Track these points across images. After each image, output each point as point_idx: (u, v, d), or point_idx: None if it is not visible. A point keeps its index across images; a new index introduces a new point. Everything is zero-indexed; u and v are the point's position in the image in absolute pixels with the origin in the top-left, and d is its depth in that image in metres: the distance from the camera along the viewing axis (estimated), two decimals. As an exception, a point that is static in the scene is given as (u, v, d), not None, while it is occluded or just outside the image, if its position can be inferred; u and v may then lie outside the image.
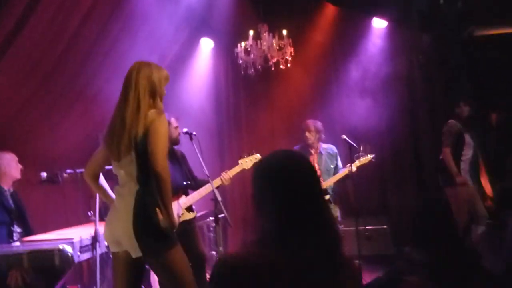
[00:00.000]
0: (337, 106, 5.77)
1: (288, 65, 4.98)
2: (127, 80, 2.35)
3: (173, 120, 3.57)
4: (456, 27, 5.05)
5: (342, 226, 5.32)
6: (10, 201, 3.40)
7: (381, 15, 5.52)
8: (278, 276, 1.14)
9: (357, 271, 1.30)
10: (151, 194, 2.28)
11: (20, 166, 3.46)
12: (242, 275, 1.14)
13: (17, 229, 3.40)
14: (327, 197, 4.34)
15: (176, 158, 3.52)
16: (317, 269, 1.18)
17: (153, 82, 2.34)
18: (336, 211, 4.48)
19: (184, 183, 3.51)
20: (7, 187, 3.40)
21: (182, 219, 3.41)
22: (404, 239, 5.31)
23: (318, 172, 4.42)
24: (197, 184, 3.64)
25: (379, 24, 5.63)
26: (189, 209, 3.54)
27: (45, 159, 4.44)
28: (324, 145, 4.50)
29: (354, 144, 4.34)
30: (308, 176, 1.29)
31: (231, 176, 3.63)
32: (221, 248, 3.97)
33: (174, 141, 3.53)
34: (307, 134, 4.39)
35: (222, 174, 3.63)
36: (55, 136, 4.40)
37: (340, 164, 4.46)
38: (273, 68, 5.06)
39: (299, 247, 1.19)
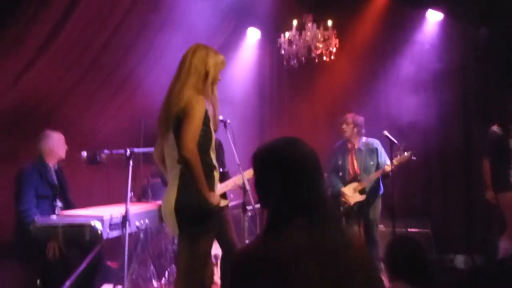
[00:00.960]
0: (383, 101, 5.55)
1: (332, 57, 4.86)
2: (182, 59, 2.40)
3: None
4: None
5: (381, 226, 5.17)
6: (54, 177, 3.63)
7: (436, 6, 5.22)
8: (291, 261, 1.16)
9: (367, 251, 1.31)
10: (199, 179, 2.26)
11: (65, 147, 3.67)
12: (255, 267, 1.18)
13: (58, 203, 3.62)
14: (363, 197, 4.21)
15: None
16: (326, 252, 1.20)
17: (207, 65, 2.35)
18: (377, 208, 4.27)
19: (220, 170, 3.54)
20: (52, 164, 3.62)
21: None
22: (447, 245, 5.05)
23: (357, 171, 4.28)
24: (228, 176, 3.69)
25: (434, 16, 5.33)
26: (223, 196, 3.58)
27: (89, 142, 4.68)
28: (365, 140, 4.31)
29: (395, 141, 4.17)
30: (308, 160, 1.30)
31: None
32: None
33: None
34: (344, 126, 4.28)
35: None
36: (98, 120, 4.62)
37: (383, 159, 4.23)
38: (316, 60, 4.96)
39: (306, 229, 1.22)
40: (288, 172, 1.28)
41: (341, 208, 4.19)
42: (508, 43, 4.77)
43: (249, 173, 3.48)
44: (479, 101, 5.15)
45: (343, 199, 4.19)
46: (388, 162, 4.15)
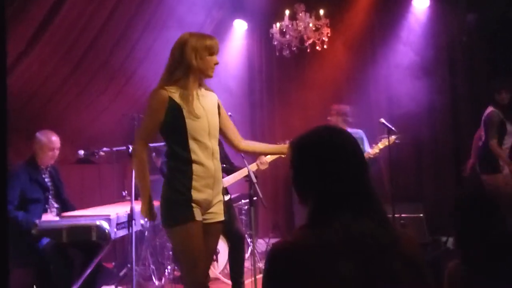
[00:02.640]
0: (374, 89, 5.60)
1: (325, 46, 4.84)
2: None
3: None
4: (503, 7, 4.77)
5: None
6: (47, 179, 3.46)
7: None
8: (336, 254, 1.10)
9: (416, 244, 1.22)
10: (168, 173, 2.27)
11: (54, 153, 3.46)
12: (297, 259, 1.11)
13: (54, 205, 3.47)
14: None
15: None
16: (375, 242, 1.13)
17: (184, 52, 2.18)
18: None
19: (223, 165, 3.47)
20: (44, 165, 3.45)
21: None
22: (440, 228, 5.16)
23: None
24: (233, 168, 3.63)
25: (420, 3, 5.39)
26: (224, 191, 3.52)
27: (82, 138, 4.52)
28: (350, 130, 4.38)
29: (392, 128, 4.21)
30: (352, 149, 1.22)
31: (268, 161, 3.59)
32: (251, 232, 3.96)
33: None
34: (328, 118, 4.32)
35: (258, 158, 3.59)
36: (91, 115, 4.47)
37: (367, 148, 4.30)
38: (309, 50, 4.94)
39: (350, 223, 1.14)
40: (332, 162, 1.20)
41: None
42: (496, 29, 4.88)
43: (252, 167, 3.45)
44: (468, 87, 5.26)
45: None
46: (369, 150, 4.23)
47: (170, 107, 2.17)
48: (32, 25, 3.18)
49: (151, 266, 4.34)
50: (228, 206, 3.46)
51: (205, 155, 2.23)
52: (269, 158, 3.58)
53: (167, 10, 4.34)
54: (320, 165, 1.20)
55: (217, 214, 2.34)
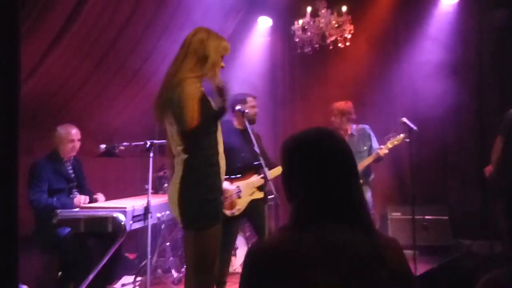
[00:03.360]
0: (398, 86, 5.49)
1: (347, 43, 4.78)
2: (183, 42, 2.28)
3: (249, 99, 3.60)
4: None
5: (399, 214, 5.13)
6: (70, 170, 3.61)
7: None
8: (314, 261, 1.07)
9: (401, 252, 1.19)
10: (197, 167, 2.16)
11: (74, 145, 3.60)
12: (274, 262, 1.08)
13: (76, 196, 3.61)
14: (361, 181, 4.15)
15: (248, 137, 3.43)
16: (356, 251, 1.11)
17: (206, 48, 2.21)
18: (367, 193, 4.17)
19: (255, 163, 3.50)
20: (67, 157, 3.59)
21: (252, 197, 3.47)
22: (464, 231, 5.02)
23: None
24: (269, 164, 3.65)
25: (449, -1, 5.24)
26: (260, 188, 3.57)
27: (104, 133, 4.66)
28: (357, 126, 4.27)
29: (414, 127, 4.11)
30: (342, 154, 1.19)
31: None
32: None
33: (250, 120, 3.54)
34: (332, 118, 4.22)
35: None
36: (113, 111, 4.60)
37: (375, 144, 4.18)
38: (331, 47, 4.89)
39: (331, 230, 1.12)
40: (317, 166, 1.17)
41: None
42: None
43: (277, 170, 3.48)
44: (496, 86, 5.07)
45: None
46: (377, 146, 4.12)
47: (202, 100, 2.17)
48: (54, 27, 3.30)
49: (171, 258, 4.44)
50: (260, 204, 3.49)
51: (222, 149, 2.27)
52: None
53: (188, 8, 4.39)
54: (304, 168, 1.19)
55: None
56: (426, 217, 5.04)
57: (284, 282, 1.06)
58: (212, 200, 2.17)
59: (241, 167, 3.44)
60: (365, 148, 4.18)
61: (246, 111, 3.50)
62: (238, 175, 3.51)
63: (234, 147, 3.30)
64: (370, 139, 4.21)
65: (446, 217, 5.05)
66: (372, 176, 4.23)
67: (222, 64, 2.32)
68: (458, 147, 5.29)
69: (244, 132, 3.62)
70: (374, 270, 1.09)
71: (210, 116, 2.19)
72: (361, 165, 4.03)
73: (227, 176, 3.54)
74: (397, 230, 5.18)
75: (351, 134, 4.22)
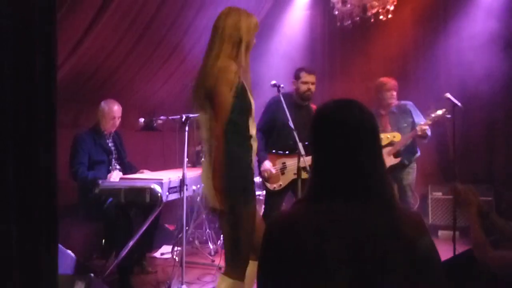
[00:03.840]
0: (445, 61, 5.23)
1: (390, 15, 4.58)
2: (215, 26, 2.25)
3: (303, 74, 3.59)
4: None
5: (440, 193, 4.98)
6: (110, 143, 3.75)
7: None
8: (326, 234, 1.08)
9: (421, 226, 1.16)
10: (229, 153, 2.15)
11: (115, 121, 3.70)
12: (288, 235, 1.11)
13: (117, 167, 3.76)
14: (398, 159, 3.99)
15: (302, 115, 3.44)
16: (370, 225, 1.10)
17: (240, 30, 2.19)
18: (411, 173, 4.08)
19: (306, 143, 3.50)
20: (108, 131, 3.73)
21: (295, 177, 3.41)
22: (509, 212, 4.80)
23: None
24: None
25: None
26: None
27: (145, 107, 4.80)
28: (398, 103, 4.11)
29: (458, 104, 3.94)
30: (365, 128, 1.16)
31: None
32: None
33: (302, 96, 3.54)
34: (394, 93, 4.05)
35: None
36: (153, 85, 4.70)
37: (418, 120, 4.00)
38: (372, 20, 4.71)
39: (348, 203, 1.12)
40: (333, 139, 1.15)
41: None
42: None
43: None
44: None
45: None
46: (421, 121, 3.95)
47: (238, 83, 2.16)
48: (93, 5, 3.38)
49: (208, 230, 4.58)
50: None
51: (254, 132, 2.29)
52: None
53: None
54: (323, 140, 1.18)
55: None
56: (469, 197, 4.86)
57: (298, 255, 1.08)
58: (248, 179, 2.20)
59: (291, 145, 3.38)
60: (405, 124, 4.04)
61: (282, 85, 3.45)
62: (286, 152, 3.52)
63: (287, 123, 3.15)
64: (411, 115, 4.05)
65: (490, 198, 4.85)
66: (417, 154, 4.11)
67: (254, 41, 2.30)
68: (506, 125, 5.02)
69: (301, 108, 3.58)
70: (388, 244, 1.08)
71: (245, 107, 2.20)
72: (400, 142, 3.92)
73: (275, 151, 3.58)
74: (437, 210, 5.06)
75: (392, 112, 4.09)
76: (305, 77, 3.55)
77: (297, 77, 3.61)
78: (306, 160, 3.38)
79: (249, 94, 2.23)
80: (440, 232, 4.97)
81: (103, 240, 3.88)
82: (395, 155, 4.01)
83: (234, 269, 2.22)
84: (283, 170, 3.55)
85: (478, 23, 4.94)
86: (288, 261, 1.09)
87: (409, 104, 4.11)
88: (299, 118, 3.37)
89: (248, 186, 2.21)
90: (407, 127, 4.03)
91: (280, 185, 3.55)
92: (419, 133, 3.86)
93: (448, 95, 3.94)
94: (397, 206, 1.17)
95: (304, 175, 3.47)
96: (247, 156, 2.22)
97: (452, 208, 4.23)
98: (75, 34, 3.42)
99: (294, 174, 3.39)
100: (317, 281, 1.06)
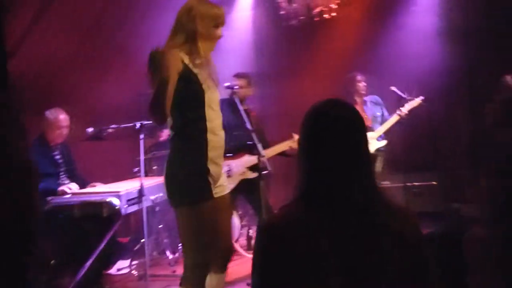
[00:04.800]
0: (385, 57, 5.45)
1: (333, 14, 4.71)
2: (175, 18, 2.16)
3: (234, 78, 3.64)
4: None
5: (388, 182, 5.18)
6: (58, 156, 3.50)
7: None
8: (320, 232, 1.09)
9: (409, 220, 1.17)
10: (181, 145, 2.10)
11: (62, 131, 3.48)
12: (283, 236, 1.11)
13: (65, 181, 3.52)
14: (384, 142, 4.28)
15: (241, 115, 3.39)
16: (361, 221, 1.11)
17: (193, 20, 2.07)
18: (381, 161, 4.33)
19: (249, 142, 3.45)
20: (55, 142, 3.48)
21: (243, 177, 3.50)
22: (454, 196, 5.11)
23: (368, 122, 4.28)
24: (264, 144, 3.61)
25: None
26: (253, 168, 3.56)
27: (91, 115, 4.53)
28: (366, 97, 4.42)
29: (403, 95, 4.19)
30: (353, 126, 1.17)
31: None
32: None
33: (242, 99, 3.55)
34: (365, 84, 4.33)
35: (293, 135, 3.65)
36: (99, 91, 4.47)
37: (386, 113, 4.36)
38: (317, 18, 4.81)
39: (339, 199, 1.12)
40: (315, 140, 1.16)
41: None
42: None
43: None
44: (488, 49, 5.08)
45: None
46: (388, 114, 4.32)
47: (184, 71, 2.04)
48: (32, 8, 3.15)
49: (165, 240, 4.42)
50: (255, 184, 3.44)
51: (218, 124, 2.16)
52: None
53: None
54: (307, 141, 1.19)
55: (225, 186, 2.24)
56: (416, 183, 5.11)
57: (293, 255, 1.08)
58: (197, 177, 2.07)
59: (233, 146, 3.40)
60: (379, 114, 4.36)
61: (236, 87, 3.44)
62: (229, 154, 3.48)
63: (226, 125, 3.21)
64: (381, 107, 4.40)
65: (435, 183, 5.14)
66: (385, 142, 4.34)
67: (220, 33, 2.17)
68: (448, 113, 5.34)
69: (235, 109, 3.56)
70: (379, 239, 1.10)
71: (191, 93, 2.08)
72: (381, 130, 4.21)
73: None
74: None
75: (364, 101, 4.37)
76: (240, 81, 3.66)
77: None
78: (252, 160, 3.51)
79: (205, 82, 2.11)
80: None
81: (52, 261, 3.63)
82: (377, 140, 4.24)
83: (185, 276, 2.13)
84: (229, 172, 3.52)
85: (420, 18, 5.21)
86: (284, 264, 1.09)
87: (378, 97, 4.43)
88: (237, 120, 3.39)
89: (191, 182, 2.06)
90: (379, 116, 4.35)
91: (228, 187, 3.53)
92: (401, 119, 4.15)
93: (394, 88, 4.19)
94: (391, 203, 1.18)
95: (251, 174, 3.50)
96: (195, 151, 2.09)
97: (401, 196, 4.45)
98: (13, 36, 3.16)
99: (240, 174, 3.49)
100: (314, 282, 1.06)
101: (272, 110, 5.77)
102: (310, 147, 1.18)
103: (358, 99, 4.31)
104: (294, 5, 4.66)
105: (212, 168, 2.10)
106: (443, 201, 5.08)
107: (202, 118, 2.09)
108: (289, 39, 5.75)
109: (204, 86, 2.10)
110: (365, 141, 1.19)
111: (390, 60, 5.40)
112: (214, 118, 2.14)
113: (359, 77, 4.32)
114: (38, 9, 3.17)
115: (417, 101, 4.17)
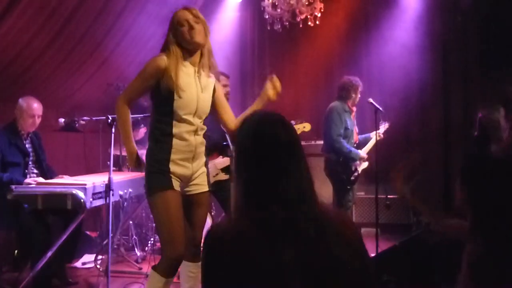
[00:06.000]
0: (366, 66, 5.53)
1: (317, 22, 4.72)
2: None
3: (222, 78, 3.53)
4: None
5: (362, 193, 5.23)
6: (27, 144, 3.45)
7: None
8: (259, 243, 1.08)
9: (347, 226, 1.20)
10: (150, 144, 2.29)
11: (34, 120, 3.42)
12: (223, 246, 1.10)
13: (34, 170, 3.47)
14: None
15: None
16: (300, 231, 1.11)
17: (171, 26, 2.25)
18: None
19: (224, 143, 3.43)
20: (26, 131, 3.43)
21: (216, 179, 3.45)
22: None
23: (355, 137, 4.24)
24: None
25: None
26: (226, 170, 3.53)
27: (65, 106, 4.48)
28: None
29: (380, 108, 4.19)
30: (289, 142, 1.19)
31: None
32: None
33: None
34: (352, 95, 4.17)
35: None
36: (74, 84, 4.42)
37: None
38: (301, 25, 4.82)
39: (279, 211, 1.13)
40: (256, 151, 1.18)
41: (355, 175, 4.14)
42: (490, 8, 4.77)
43: None
44: (460, 64, 5.20)
45: (361, 164, 4.17)
46: None
47: (165, 77, 2.18)
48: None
49: (134, 237, 4.38)
50: (226, 186, 3.47)
51: (187, 130, 2.25)
52: None
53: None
54: (244, 153, 1.20)
55: (201, 185, 2.38)
56: (389, 196, 5.16)
57: (235, 266, 1.08)
58: (159, 173, 2.22)
59: (206, 147, 3.39)
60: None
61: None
62: None
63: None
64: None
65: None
66: None
67: (192, 36, 2.22)
68: (422, 125, 5.42)
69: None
70: (319, 247, 1.11)
71: (162, 99, 2.21)
72: (368, 148, 4.23)
73: None
74: (361, 208, 5.31)
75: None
76: (223, 80, 3.58)
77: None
78: (224, 162, 3.51)
79: (178, 90, 2.19)
80: (363, 230, 5.22)
81: (15, 251, 3.56)
82: None
83: (160, 262, 2.24)
84: None
85: (397, 32, 5.31)
86: (235, 273, 1.08)
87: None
88: (210, 122, 3.42)
89: (156, 180, 2.23)
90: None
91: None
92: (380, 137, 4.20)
93: (371, 100, 4.19)
94: (324, 209, 1.21)
95: (223, 176, 3.50)
96: (157, 148, 2.25)
97: (374, 207, 4.47)
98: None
99: (213, 176, 3.43)
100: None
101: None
102: (249, 161, 1.19)
103: (351, 105, 4.19)
104: (279, 10, 4.66)
105: (173, 168, 2.24)
106: (415, 213, 5.16)
107: (169, 122, 2.23)
108: (272, 43, 5.78)
109: (176, 93, 2.19)
110: (301, 155, 1.21)
111: (371, 71, 5.48)
112: (182, 124, 2.25)
113: (360, 86, 4.17)
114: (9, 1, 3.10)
115: (387, 124, 4.28)
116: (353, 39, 5.58)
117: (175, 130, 2.24)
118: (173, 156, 2.24)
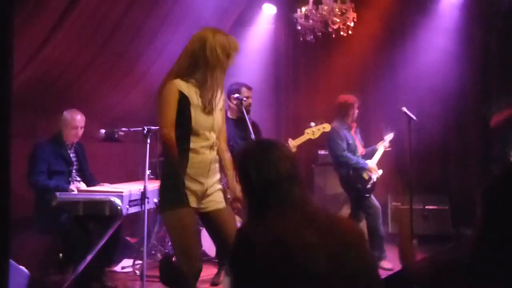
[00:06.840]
0: (402, 76, 5.45)
1: (350, 31, 4.73)
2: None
3: (244, 89, 3.67)
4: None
5: (399, 203, 5.13)
6: (71, 154, 3.67)
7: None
8: (290, 234, 1.22)
9: (349, 231, 1.32)
10: (165, 159, 2.37)
11: (77, 131, 3.64)
12: (243, 253, 1.27)
13: (77, 178, 3.68)
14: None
15: (244, 126, 3.48)
16: (322, 224, 1.26)
17: (204, 48, 2.22)
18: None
19: None
20: (70, 141, 3.65)
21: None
22: (466, 221, 5.01)
23: (362, 148, 4.33)
24: None
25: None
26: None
27: (106, 118, 4.72)
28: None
29: (414, 117, 4.14)
30: (285, 161, 1.38)
31: (296, 145, 3.72)
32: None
33: (246, 110, 3.58)
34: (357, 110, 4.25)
35: (288, 140, 3.70)
36: (115, 96, 4.65)
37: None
38: (334, 35, 4.85)
39: (281, 220, 1.28)
40: (254, 174, 1.37)
41: (371, 183, 4.19)
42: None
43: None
44: (501, 73, 5.02)
45: (373, 173, 4.19)
46: None
47: (180, 98, 2.24)
48: (55, 12, 3.34)
49: (170, 243, 4.51)
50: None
51: (203, 145, 2.32)
52: (297, 141, 3.74)
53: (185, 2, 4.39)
54: (247, 179, 1.39)
55: (217, 202, 2.40)
56: (427, 207, 5.04)
57: (270, 260, 1.21)
58: (174, 187, 2.26)
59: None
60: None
61: (244, 99, 3.56)
62: None
63: (231, 139, 3.34)
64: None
65: (447, 207, 5.05)
66: None
67: (229, 63, 2.30)
68: (460, 135, 5.27)
69: (238, 121, 3.66)
70: (340, 236, 1.25)
71: (182, 116, 2.28)
72: (376, 158, 4.28)
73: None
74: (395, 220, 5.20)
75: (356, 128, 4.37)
76: (245, 92, 3.68)
77: (237, 91, 3.68)
78: None
79: (197, 108, 2.27)
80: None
81: (60, 255, 3.77)
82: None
83: (180, 280, 2.27)
84: (227, 184, 3.59)
85: (434, 40, 5.21)
86: (259, 274, 1.21)
87: None
88: (236, 132, 3.60)
89: (171, 195, 2.27)
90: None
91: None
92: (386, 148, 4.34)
93: (404, 109, 4.15)
94: (324, 216, 1.34)
95: None
96: (176, 165, 2.28)
97: (410, 217, 4.38)
98: (35, 39, 3.34)
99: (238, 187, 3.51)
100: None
101: (283, 121, 5.86)
102: (244, 181, 1.42)
103: (352, 124, 4.27)
104: (311, 21, 4.72)
105: (188, 183, 2.29)
106: (454, 225, 5.00)
107: (186, 139, 2.29)
108: (306, 52, 5.82)
109: (193, 111, 2.28)
110: (293, 172, 1.39)
111: (407, 80, 5.40)
112: (199, 140, 2.31)
113: (356, 104, 4.23)
114: (61, 14, 3.33)
115: (392, 135, 4.34)
116: (388, 47, 5.52)
117: (192, 145, 2.30)
118: (188, 171, 2.28)
